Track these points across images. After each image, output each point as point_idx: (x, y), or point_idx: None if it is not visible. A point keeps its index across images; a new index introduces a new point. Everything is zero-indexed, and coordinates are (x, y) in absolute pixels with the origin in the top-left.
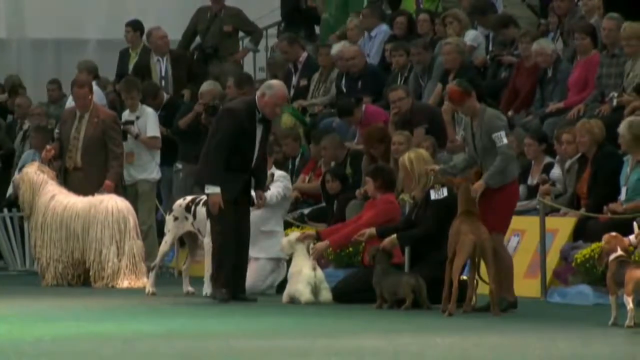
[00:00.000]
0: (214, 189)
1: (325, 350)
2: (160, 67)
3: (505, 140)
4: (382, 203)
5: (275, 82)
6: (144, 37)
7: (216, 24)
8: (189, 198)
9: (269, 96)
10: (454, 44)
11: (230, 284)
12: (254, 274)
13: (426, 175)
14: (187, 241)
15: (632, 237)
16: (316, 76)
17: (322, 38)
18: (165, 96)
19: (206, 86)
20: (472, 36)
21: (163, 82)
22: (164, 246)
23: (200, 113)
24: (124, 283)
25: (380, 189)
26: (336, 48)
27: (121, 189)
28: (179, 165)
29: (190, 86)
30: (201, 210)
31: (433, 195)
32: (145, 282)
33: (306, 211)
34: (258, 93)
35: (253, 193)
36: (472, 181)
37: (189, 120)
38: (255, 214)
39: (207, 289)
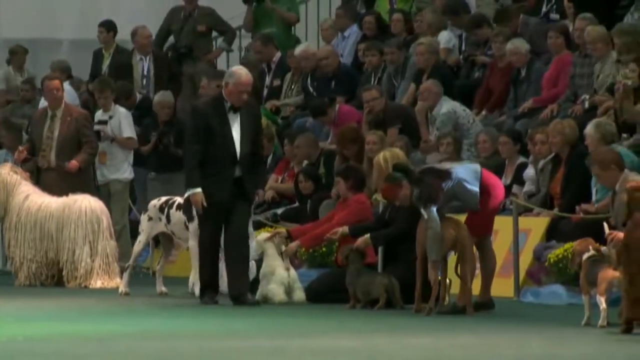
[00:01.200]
0: (192, 190)
1: (299, 350)
2: (143, 65)
3: (427, 217)
4: (354, 203)
5: (237, 69)
6: (125, 35)
7: (190, 24)
8: (163, 199)
9: (232, 84)
10: (427, 44)
11: (214, 287)
12: (224, 276)
13: None
14: (162, 241)
15: (604, 249)
16: (288, 76)
17: (282, 46)
18: (139, 96)
19: (158, 97)
20: (446, 38)
21: (144, 81)
22: (138, 246)
23: (157, 143)
24: (97, 283)
25: (351, 189)
26: (299, 48)
27: (94, 189)
28: (152, 174)
29: (171, 86)
30: (175, 214)
31: None
32: (118, 282)
33: (279, 211)
34: (223, 83)
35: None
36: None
37: (149, 149)
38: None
39: (198, 290)
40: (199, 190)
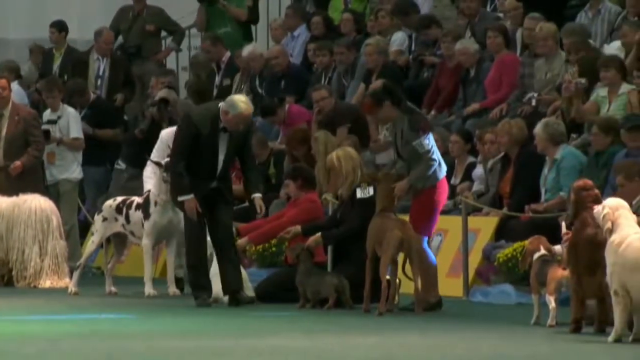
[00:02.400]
0: (185, 197)
1: (248, 350)
2: (100, 65)
3: (427, 147)
4: (304, 202)
5: (238, 100)
6: (75, 35)
7: (138, 24)
8: (119, 199)
9: (232, 115)
10: (374, 44)
11: (209, 286)
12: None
13: (353, 173)
14: (115, 242)
15: (557, 247)
16: (238, 76)
17: (231, 47)
18: (92, 95)
19: (163, 93)
20: (399, 40)
21: (99, 81)
22: (91, 246)
23: (154, 116)
24: (47, 283)
25: (302, 189)
26: (247, 49)
27: (44, 189)
28: (122, 164)
29: (125, 91)
30: (135, 214)
31: (359, 194)
32: (68, 282)
33: None
34: (222, 108)
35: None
36: (393, 179)
37: (145, 127)
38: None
39: (148, 289)
40: (191, 196)
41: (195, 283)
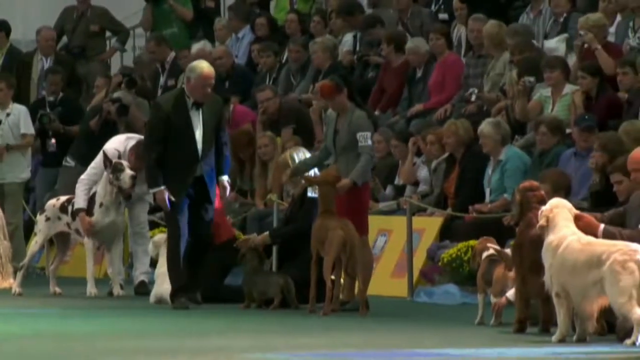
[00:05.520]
0: (156, 189)
1: (193, 350)
2: (44, 66)
3: (369, 142)
4: None
5: (197, 62)
6: (19, 35)
7: (83, 24)
8: (63, 198)
9: (195, 79)
10: (320, 42)
11: (188, 288)
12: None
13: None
14: (57, 242)
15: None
16: (182, 77)
17: (177, 48)
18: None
19: (120, 94)
20: (350, 41)
21: (45, 82)
22: (35, 246)
23: (109, 111)
24: None
25: None
26: (196, 47)
27: None
28: (71, 162)
29: (69, 91)
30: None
31: (310, 193)
32: (12, 282)
33: None
34: (185, 79)
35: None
36: (330, 180)
37: (100, 120)
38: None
39: (90, 289)
40: (162, 188)
41: (175, 282)
